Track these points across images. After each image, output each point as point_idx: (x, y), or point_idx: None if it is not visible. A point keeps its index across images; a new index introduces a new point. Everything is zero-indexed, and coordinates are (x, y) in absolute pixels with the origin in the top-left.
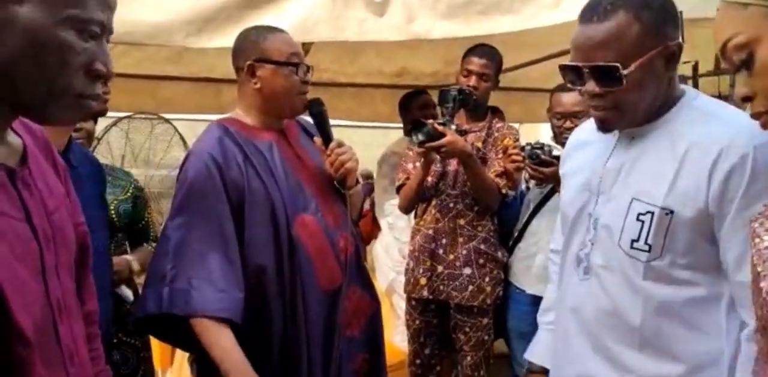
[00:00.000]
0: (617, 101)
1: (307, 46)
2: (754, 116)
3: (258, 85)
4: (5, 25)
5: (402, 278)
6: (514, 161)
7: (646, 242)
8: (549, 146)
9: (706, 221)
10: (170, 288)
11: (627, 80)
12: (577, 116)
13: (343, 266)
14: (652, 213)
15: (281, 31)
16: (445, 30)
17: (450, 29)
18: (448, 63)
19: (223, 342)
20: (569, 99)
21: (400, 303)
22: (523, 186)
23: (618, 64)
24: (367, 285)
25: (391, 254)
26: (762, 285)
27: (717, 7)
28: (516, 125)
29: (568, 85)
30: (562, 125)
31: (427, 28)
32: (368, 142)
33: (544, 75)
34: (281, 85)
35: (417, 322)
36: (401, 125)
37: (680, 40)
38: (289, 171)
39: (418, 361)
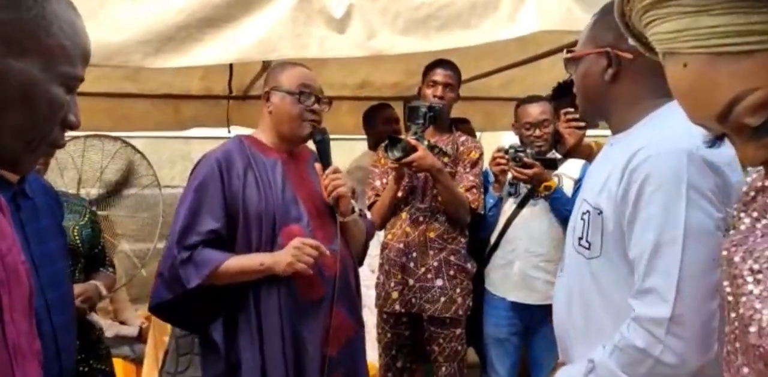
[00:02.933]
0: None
1: (267, 61)
2: None
3: (270, 109)
4: (1, 78)
5: (371, 293)
6: (498, 164)
7: (586, 240)
8: (531, 148)
9: (622, 220)
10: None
11: (575, 68)
12: (543, 125)
13: (327, 281)
14: (589, 212)
15: (303, 65)
16: (405, 46)
17: (410, 45)
18: (409, 74)
19: (232, 264)
20: (535, 109)
21: (370, 318)
22: (503, 192)
23: (572, 52)
24: (354, 310)
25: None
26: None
27: (684, 63)
28: (478, 134)
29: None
30: (531, 134)
31: (387, 44)
32: (332, 154)
33: (503, 84)
34: (287, 110)
35: (389, 335)
36: (366, 138)
37: (629, 54)
38: (288, 187)
39: (389, 374)
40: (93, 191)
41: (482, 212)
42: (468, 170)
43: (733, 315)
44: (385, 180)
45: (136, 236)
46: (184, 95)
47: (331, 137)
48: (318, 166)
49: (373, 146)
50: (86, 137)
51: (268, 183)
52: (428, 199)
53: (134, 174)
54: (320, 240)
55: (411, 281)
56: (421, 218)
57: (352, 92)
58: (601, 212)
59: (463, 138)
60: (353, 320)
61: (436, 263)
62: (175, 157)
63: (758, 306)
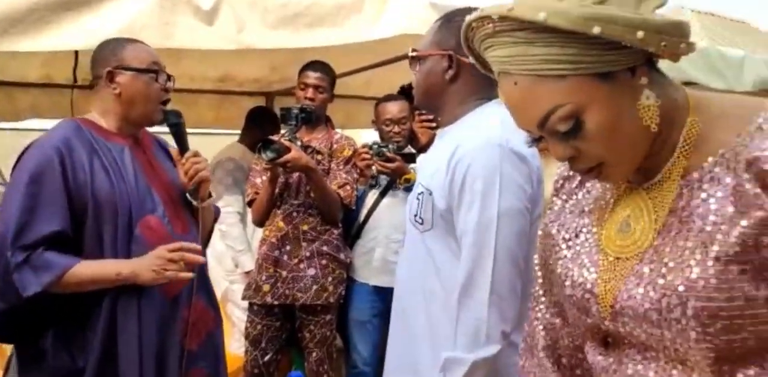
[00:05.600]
0: None
1: None
2: (580, 171)
3: (117, 91)
4: None
5: (236, 287)
6: (363, 159)
7: (420, 217)
8: (391, 143)
9: (451, 202)
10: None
11: (418, 66)
12: (402, 122)
13: (188, 271)
14: (423, 193)
15: (141, 42)
16: (274, 41)
17: (279, 40)
18: (273, 70)
19: (82, 271)
20: (394, 107)
21: (236, 312)
22: (365, 185)
23: (416, 51)
24: (211, 299)
25: (224, 264)
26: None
27: (515, 81)
28: (339, 131)
29: None
30: (391, 130)
31: (257, 38)
32: (191, 147)
33: (363, 84)
34: (140, 91)
35: (259, 327)
36: (227, 131)
37: (469, 59)
38: (140, 175)
39: (256, 370)
40: None
41: (354, 208)
42: (341, 167)
43: (544, 277)
44: (264, 178)
45: None
46: (20, 83)
47: (191, 130)
48: (174, 151)
49: (258, 149)
50: None
51: (119, 171)
52: (302, 195)
53: None
54: (177, 230)
55: (284, 273)
56: (294, 214)
57: (213, 85)
58: (431, 193)
59: (337, 136)
60: (212, 311)
61: (308, 254)
62: (8, 151)
63: (570, 265)
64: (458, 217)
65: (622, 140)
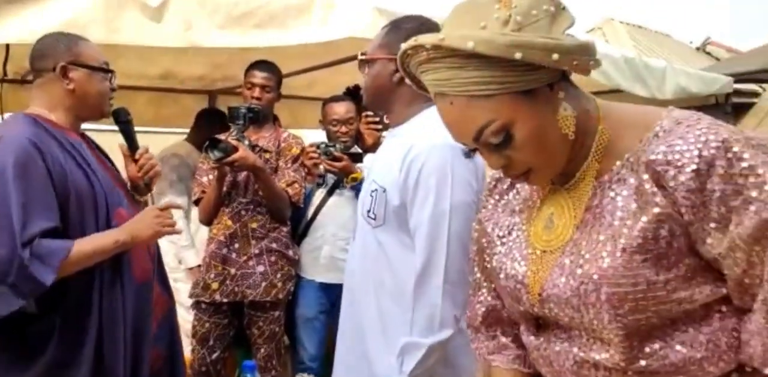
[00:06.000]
0: None
1: None
2: (512, 177)
3: (71, 87)
4: None
5: (179, 286)
6: (311, 158)
7: (373, 212)
8: (338, 143)
9: (405, 198)
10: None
11: (367, 68)
12: (349, 122)
13: (153, 258)
14: (377, 190)
15: (88, 40)
16: (223, 40)
17: (227, 39)
18: (215, 68)
19: (83, 248)
20: (341, 108)
21: (180, 311)
22: (312, 183)
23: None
24: (165, 283)
25: (166, 261)
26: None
27: (450, 101)
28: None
29: None
30: (338, 130)
31: (205, 36)
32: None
33: (307, 84)
34: (96, 88)
35: (207, 325)
36: (167, 130)
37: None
38: (101, 170)
39: (204, 368)
40: None
41: (302, 206)
42: (289, 165)
43: (482, 267)
44: (211, 176)
45: None
46: None
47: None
48: (124, 147)
49: (205, 149)
50: None
51: (88, 166)
52: (250, 193)
53: None
54: None
55: (233, 271)
56: (243, 212)
57: (152, 83)
58: (385, 191)
59: (285, 135)
60: (166, 294)
61: (257, 251)
62: None
63: (504, 259)
64: (412, 211)
65: (547, 148)
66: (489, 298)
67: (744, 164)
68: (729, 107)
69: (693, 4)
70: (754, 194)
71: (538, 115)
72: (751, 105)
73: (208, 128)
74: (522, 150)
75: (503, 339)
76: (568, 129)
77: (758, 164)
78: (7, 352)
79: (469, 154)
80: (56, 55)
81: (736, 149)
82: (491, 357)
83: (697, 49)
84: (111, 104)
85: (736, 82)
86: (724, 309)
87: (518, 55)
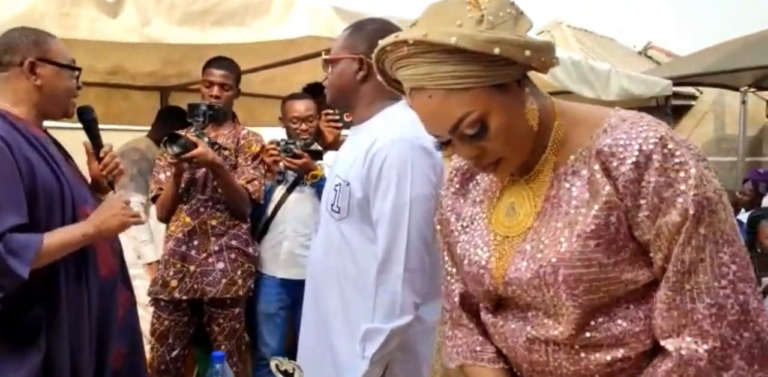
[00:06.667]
0: None
1: None
2: (482, 166)
3: (38, 83)
4: None
5: (137, 283)
6: (271, 155)
7: (337, 206)
8: (298, 140)
9: (368, 191)
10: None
11: (331, 68)
12: (309, 120)
13: (116, 255)
14: (340, 184)
15: (55, 36)
16: (180, 36)
17: (186, 36)
18: (167, 64)
19: (52, 241)
20: (301, 106)
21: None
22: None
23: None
24: (126, 280)
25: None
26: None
27: (429, 95)
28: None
29: None
30: (298, 127)
31: (162, 32)
32: (78, 144)
33: (264, 81)
34: (63, 86)
35: (166, 323)
36: (116, 127)
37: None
38: (66, 167)
39: (163, 366)
40: None
41: (262, 203)
42: (249, 162)
43: (451, 256)
44: (168, 173)
45: None
46: None
47: (75, 126)
48: (88, 145)
49: (164, 143)
50: None
51: (54, 162)
52: (209, 190)
53: None
54: None
55: (192, 268)
56: (201, 209)
57: (102, 78)
58: (349, 184)
59: (244, 132)
60: (127, 290)
61: (217, 248)
62: None
63: (467, 247)
64: (374, 202)
65: (517, 138)
66: (461, 285)
67: (677, 160)
68: (669, 109)
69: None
70: (682, 187)
71: (510, 107)
72: (689, 107)
73: (169, 125)
74: (495, 140)
75: (480, 336)
76: (533, 121)
77: (688, 160)
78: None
79: (440, 147)
80: (24, 51)
81: (671, 146)
82: (473, 355)
83: (639, 53)
84: (74, 102)
85: (675, 85)
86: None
87: (497, 51)
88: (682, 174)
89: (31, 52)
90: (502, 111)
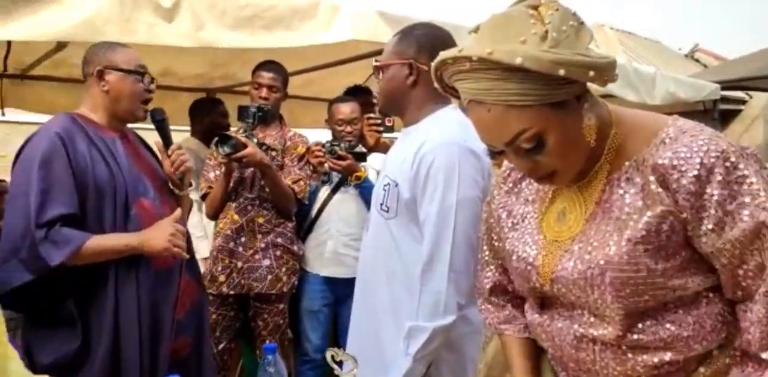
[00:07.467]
0: None
1: (63, 42)
2: (537, 178)
3: (106, 88)
4: None
5: None
6: (316, 157)
7: (386, 205)
8: (343, 142)
9: (415, 192)
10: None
11: (381, 74)
12: (354, 122)
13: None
14: (389, 185)
15: (128, 47)
16: (232, 40)
17: (237, 40)
18: (213, 67)
19: (97, 244)
20: (346, 108)
21: None
22: (318, 181)
23: (379, 61)
24: (196, 273)
25: None
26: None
27: (488, 109)
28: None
29: None
30: (343, 129)
31: (215, 37)
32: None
33: (304, 83)
34: (128, 89)
35: (214, 316)
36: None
37: (426, 67)
38: (131, 164)
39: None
40: None
41: (307, 202)
42: (295, 163)
43: (491, 247)
44: (218, 172)
45: None
46: None
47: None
48: (159, 143)
49: (199, 134)
50: None
51: (114, 160)
52: (256, 189)
53: None
54: (167, 213)
55: (239, 264)
56: (249, 207)
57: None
58: (397, 185)
59: (291, 133)
60: (196, 284)
61: (263, 245)
62: None
63: (516, 243)
64: (422, 204)
65: (572, 153)
66: (496, 274)
67: (739, 173)
68: (716, 114)
69: (682, 12)
70: (747, 199)
71: (568, 124)
72: (737, 112)
73: (207, 117)
74: (551, 155)
75: (512, 310)
76: (590, 137)
77: (751, 174)
78: (39, 339)
79: (494, 155)
80: (96, 61)
81: (733, 159)
82: (503, 326)
83: (686, 55)
84: (144, 105)
85: (723, 89)
86: (711, 295)
87: (561, 72)
88: (746, 187)
89: (101, 61)
90: (560, 128)
